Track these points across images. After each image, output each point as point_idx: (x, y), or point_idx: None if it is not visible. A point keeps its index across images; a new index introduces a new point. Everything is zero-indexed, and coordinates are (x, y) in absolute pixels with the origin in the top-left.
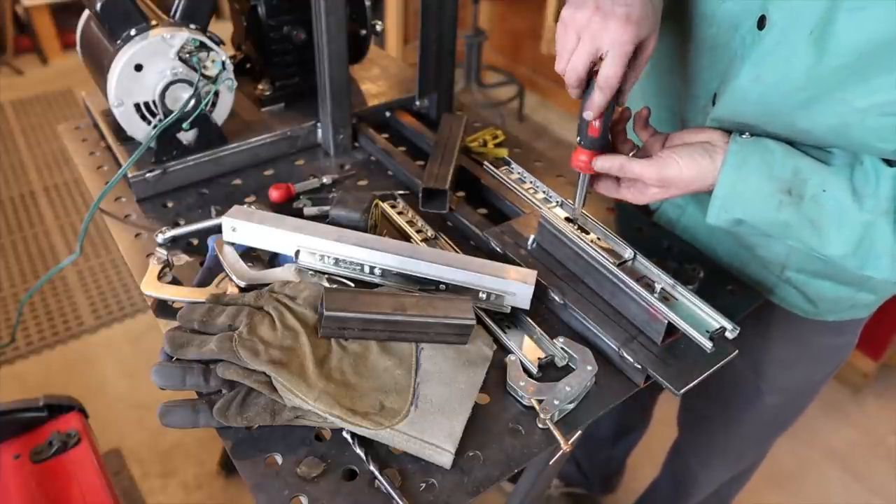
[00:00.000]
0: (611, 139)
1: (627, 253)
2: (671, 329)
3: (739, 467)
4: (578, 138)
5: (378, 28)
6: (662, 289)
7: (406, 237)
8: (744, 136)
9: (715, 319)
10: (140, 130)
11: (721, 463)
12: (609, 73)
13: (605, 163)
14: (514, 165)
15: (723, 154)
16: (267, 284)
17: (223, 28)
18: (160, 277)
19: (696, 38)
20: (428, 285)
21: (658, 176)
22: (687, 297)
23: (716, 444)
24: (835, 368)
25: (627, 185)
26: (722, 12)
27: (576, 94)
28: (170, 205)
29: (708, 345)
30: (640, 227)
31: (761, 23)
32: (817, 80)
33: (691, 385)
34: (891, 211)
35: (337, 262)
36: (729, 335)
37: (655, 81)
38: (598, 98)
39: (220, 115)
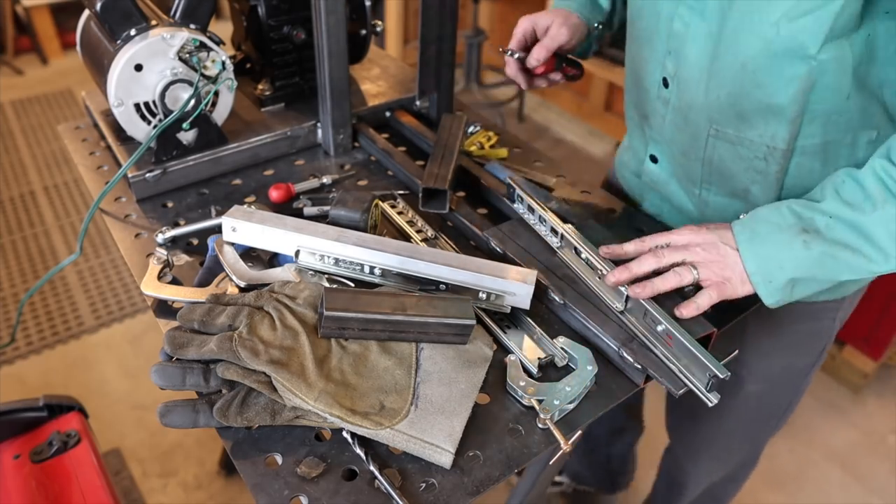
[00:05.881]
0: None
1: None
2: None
3: (730, 464)
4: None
5: (378, 28)
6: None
7: (406, 237)
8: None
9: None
10: (140, 130)
11: (709, 457)
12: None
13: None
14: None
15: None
16: (267, 284)
17: (223, 28)
18: (160, 277)
19: (636, 36)
20: (428, 285)
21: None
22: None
23: (703, 439)
24: (818, 357)
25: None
26: (649, 8)
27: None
28: (170, 205)
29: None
30: (642, 227)
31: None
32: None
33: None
34: (891, 195)
35: (337, 262)
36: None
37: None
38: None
39: (220, 115)
